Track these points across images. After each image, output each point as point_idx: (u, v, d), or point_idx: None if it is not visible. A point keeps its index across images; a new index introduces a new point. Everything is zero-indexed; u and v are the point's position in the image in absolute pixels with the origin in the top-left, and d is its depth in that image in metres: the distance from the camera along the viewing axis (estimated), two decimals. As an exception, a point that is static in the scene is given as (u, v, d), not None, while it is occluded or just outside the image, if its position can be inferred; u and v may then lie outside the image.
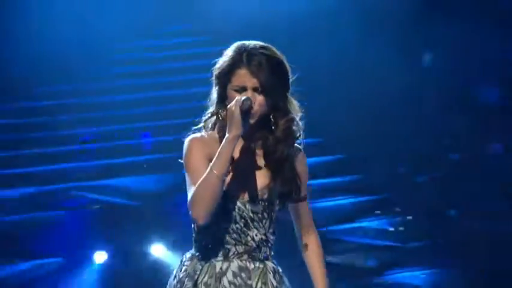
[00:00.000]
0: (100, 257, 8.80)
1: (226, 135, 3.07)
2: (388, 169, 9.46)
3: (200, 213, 3.09)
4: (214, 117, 3.28)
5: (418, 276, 8.76)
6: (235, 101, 3.07)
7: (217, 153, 3.07)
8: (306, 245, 3.43)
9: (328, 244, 8.80)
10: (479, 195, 9.17)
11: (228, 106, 3.09)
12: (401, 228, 9.08)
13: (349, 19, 9.77)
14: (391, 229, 9.23)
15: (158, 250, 8.94)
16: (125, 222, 8.96)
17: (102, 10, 10.04)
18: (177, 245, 8.81)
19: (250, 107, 3.08)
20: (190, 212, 3.13)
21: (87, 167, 9.60)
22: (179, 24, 10.58)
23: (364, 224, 9.31)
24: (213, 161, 3.07)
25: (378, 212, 9.41)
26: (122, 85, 10.14)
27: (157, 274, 8.56)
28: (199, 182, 3.07)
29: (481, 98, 9.83)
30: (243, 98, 3.07)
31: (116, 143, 9.77)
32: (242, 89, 3.16)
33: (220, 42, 11.07)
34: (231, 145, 3.08)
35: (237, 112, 3.07)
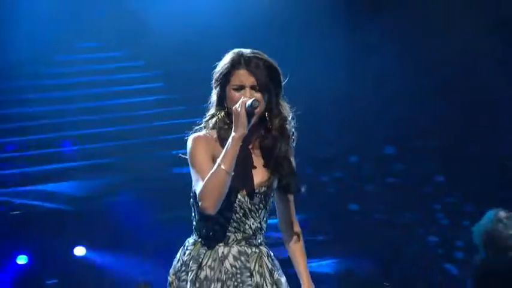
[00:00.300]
0: (22, 260, 8.98)
1: (233, 134, 3.22)
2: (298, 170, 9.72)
3: (211, 204, 3.22)
4: (214, 118, 3.41)
5: (324, 265, 9.23)
6: (241, 102, 3.23)
7: (224, 151, 3.22)
8: (290, 239, 3.56)
9: None
10: (377, 193, 9.86)
11: (234, 108, 3.23)
12: (309, 223, 9.27)
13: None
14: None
15: (80, 252, 9.21)
16: (46, 226, 9.07)
17: (21, 24, 9.82)
18: (98, 246, 9.23)
19: (255, 108, 3.23)
20: (200, 203, 3.25)
21: (10, 174, 9.67)
22: (93, 41, 10.58)
23: (276, 220, 9.61)
24: (220, 158, 3.21)
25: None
26: (50, 97, 10.13)
27: (77, 275, 8.97)
28: (208, 176, 3.21)
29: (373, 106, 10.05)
30: (251, 99, 3.24)
31: (38, 152, 9.83)
32: (241, 88, 3.33)
33: (131, 59, 10.92)
34: (238, 143, 3.22)
35: (243, 113, 3.21)
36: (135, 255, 9.13)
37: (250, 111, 3.20)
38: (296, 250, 3.53)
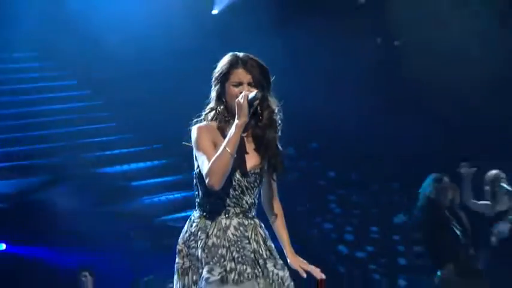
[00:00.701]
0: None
1: (236, 121, 3.56)
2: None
3: (217, 181, 3.54)
4: (214, 111, 3.74)
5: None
6: (243, 95, 3.58)
7: (228, 136, 3.57)
8: (274, 213, 3.90)
9: (166, 230, 9.66)
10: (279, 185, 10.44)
11: (237, 100, 3.57)
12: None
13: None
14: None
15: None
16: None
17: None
18: (20, 242, 9.23)
19: (258, 98, 3.57)
20: (207, 181, 3.56)
21: None
22: (18, 51, 10.88)
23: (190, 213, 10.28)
24: (225, 142, 3.55)
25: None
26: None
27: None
28: (214, 158, 3.54)
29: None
30: (255, 91, 3.60)
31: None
32: (239, 84, 3.68)
33: (60, 69, 11.32)
34: (240, 129, 3.56)
35: (245, 103, 3.55)
36: (63, 247, 9.18)
37: (251, 102, 3.56)
38: (279, 225, 3.89)
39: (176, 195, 10.38)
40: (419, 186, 8.86)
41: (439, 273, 7.36)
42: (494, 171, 7.64)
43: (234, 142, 3.54)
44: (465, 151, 8.51)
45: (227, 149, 3.52)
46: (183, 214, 9.85)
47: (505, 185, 7.58)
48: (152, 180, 10.49)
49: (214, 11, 11.02)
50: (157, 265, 8.67)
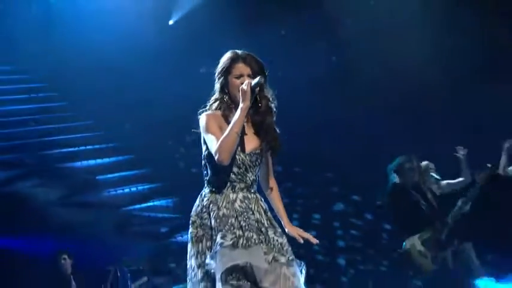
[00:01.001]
0: None
1: (240, 105, 3.87)
2: (169, 162, 10.64)
3: (225, 157, 3.85)
4: (218, 101, 4.04)
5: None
6: (247, 83, 3.87)
7: (234, 118, 3.87)
8: (271, 188, 4.22)
9: (131, 219, 10.40)
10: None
11: (241, 87, 3.87)
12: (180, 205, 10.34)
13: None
14: (171, 205, 10.62)
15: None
16: None
17: None
18: None
19: (261, 83, 3.88)
20: (217, 157, 3.85)
21: None
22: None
23: (156, 203, 10.65)
24: (232, 123, 3.85)
25: (162, 195, 10.73)
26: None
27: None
28: (222, 138, 3.84)
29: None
30: (258, 77, 3.89)
31: None
32: (240, 76, 3.98)
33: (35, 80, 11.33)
34: (244, 112, 3.88)
35: (249, 90, 3.86)
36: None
37: (254, 87, 3.91)
38: (275, 198, 4.27)
39: (139, 188, 10.90)
40: (357, 177, 9.61)
41: (404, 244, 7.68)
42: (425, 162, 8.04)
43: (240, 123, 3.90)
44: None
45: (234, 128, 3.87)
46: (146, 205, 10.66)
47: (434, 175, 8.04)
48: (117, 174, 10.92)
49: (171, 22, 11.30)
50: (125, 248, 9.34)
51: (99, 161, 11.00)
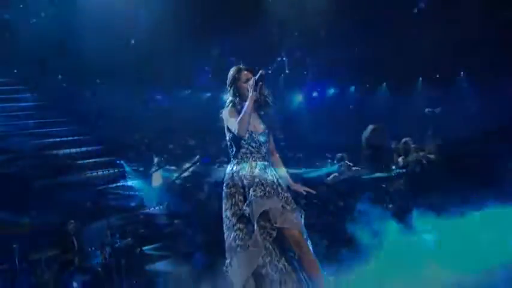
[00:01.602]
0: None
1: (250, 95, 5.16)
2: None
3: (243, 131, 5.06)
4: (232, 102, 5.28)
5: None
6: (253, 80, 5.19)
7: (246, 105, 5.11)
8: (275, 157, 5.41)
9: (107, 194, 11.33)
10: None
11: (249, 82, 5.17)
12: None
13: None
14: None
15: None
16: None
17: None
18: None
19: (264, 76, 5.12)
20: (237, 132, 5.12)
21: None
22: None
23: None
24: (244, 108, 5.09)
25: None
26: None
27: None
28: (239, 119, 5.07)
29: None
30: (259, 73, 5.17)
31: None
32: (247, 80, 5.25)
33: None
34: (252, 100, 5.16)
35: (254, 83, 5.14)
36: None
37: (258, 81, 5.14)
38: (278, 162, 5.44)
39: (110, 171, 12.21)
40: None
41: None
42: (340, 154, 9.25)
43: (250, 107, 5.17)
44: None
45: (246, 111, 5.16)
46: (116, 184, 11.85)
47: (347, 162, 9.37)
48: (92, 160, 12.21)
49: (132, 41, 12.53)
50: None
51: (77, 149, 12.42)
